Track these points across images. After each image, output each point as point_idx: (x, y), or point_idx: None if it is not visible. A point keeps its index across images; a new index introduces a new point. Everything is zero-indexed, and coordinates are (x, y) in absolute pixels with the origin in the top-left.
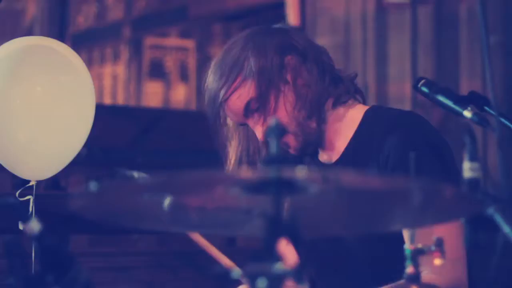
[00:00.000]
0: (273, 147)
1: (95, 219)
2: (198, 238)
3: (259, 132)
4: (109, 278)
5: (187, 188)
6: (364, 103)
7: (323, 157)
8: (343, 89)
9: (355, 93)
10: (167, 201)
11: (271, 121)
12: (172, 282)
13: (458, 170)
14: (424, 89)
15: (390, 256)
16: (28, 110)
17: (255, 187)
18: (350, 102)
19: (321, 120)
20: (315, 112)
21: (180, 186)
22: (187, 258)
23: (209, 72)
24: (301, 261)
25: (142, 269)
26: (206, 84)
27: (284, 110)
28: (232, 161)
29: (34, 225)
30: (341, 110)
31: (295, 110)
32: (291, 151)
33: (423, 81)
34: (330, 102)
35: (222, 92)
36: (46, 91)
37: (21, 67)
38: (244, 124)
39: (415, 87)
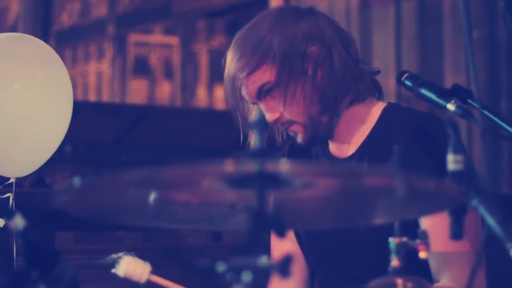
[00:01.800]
0: (257, 141)
1: (79, 215)
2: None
3: (268, 116)
4: (95, 275)
5: (171, 183)
6: (381, 99)
7: (334, 150)
8: (363, 86)
9: (374, 90)
10: (152, 196)
11: (256, 114)
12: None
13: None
14: (408, 82)
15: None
16: (5, 107)
17: (239, 181)
18: (368, 99)
19: (334, 116)
20: (330, 108)
21: (165, 181)
22: (172, 254)
23: (231, 48)
24: (304, 252)
25: None
26: (226, 61)
27: (298, 101)
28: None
29: (19, 221)
30: (357, 106)
31: (309, 103)
32: (298, 139)
33: (406, 74)
34: (348, 99)
35: (242, 72)
36: (23, 88)
37: None
38: (256, 103)
39: (399, 81)
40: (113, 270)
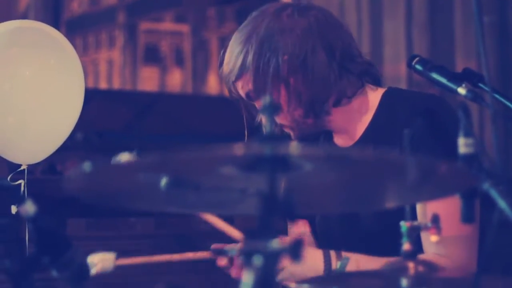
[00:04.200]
0: (268, 125)
1: (90, 201)
2: (209, 217)
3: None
4: None
5: (182, 167)
6: (379, 85)
7: (338, 141)
8: (347, 84)
9: (366, 82)
10: (163, 181)
11: (265, 99)
12: (170, 264)
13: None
14: (418, 66)
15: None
16: (17, 94)
17: (250, 165)
18: (360, 91)
19: (319, 117)
20: (313, 110)
21: (176, 165)
22: (184, 240)
23: (227, 47)
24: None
25: (139, 252)
26: (223, 59)
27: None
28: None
29: (29, 207)
30: (349, 101)
31: (289, 108)
32: (292, 137)
33: (417, 58)
34: (332, 99)
35: (229, 79)
36: (35, 75)
37: (9, 50)
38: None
39: (409, 65)
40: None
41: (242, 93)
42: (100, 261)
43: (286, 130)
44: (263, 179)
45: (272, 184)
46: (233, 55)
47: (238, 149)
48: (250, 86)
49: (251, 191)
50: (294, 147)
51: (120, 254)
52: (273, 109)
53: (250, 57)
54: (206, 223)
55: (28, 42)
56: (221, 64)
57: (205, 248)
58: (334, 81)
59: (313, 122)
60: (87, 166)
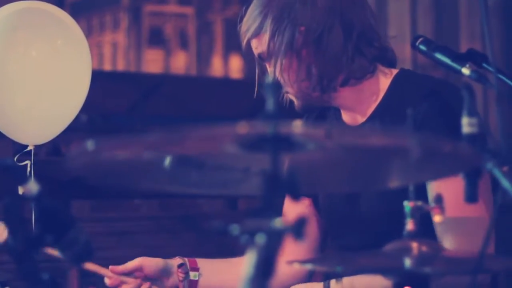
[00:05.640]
0: (271, 103)
1: (93, 180)
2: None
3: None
4: (111, 242)
5: (186, 146)
6: (394, 67)
7: (347, 119)
8: (362, 66)
9: (380, 64)
10: (167, 160)
11: (268, 78)
12: (174, 246)
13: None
14: (422, 47)
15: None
16: (24, 75)
17: (253, 144)
18: (371, 74)
19: (326, 92)
20: (319, 85)
21: (179, 143)
22: (188, 222)
23: (252, 3)
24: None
25: (144, 233)
26: (244, 15)
27: (287, 75)
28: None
29: (32, 186)
30: (360, 82)
31: (298, 79)
32: (296, 105)
33: (421, 39)
34: (340, 78)
35: (245, 36)
36: (41, 56)
37: (16, 31)
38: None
39: (413, 45)
40: None
41: (255, 52)
42: None
43: (291, 97)
44: (266, 158)
45: (275, 162)
46: (253, 14)
47: (241, 128)
48: (264, 48)
49: (254, 170)
50: (297, 126)
51: (125, 235)
52: (276, 87)
53: (268, 21)
54: (211, 205)
55: (35, 23)
56: (241, 19)
57: (207, 228)
58: (345, 63)
59: (318, 96)
60: (90, 144)
